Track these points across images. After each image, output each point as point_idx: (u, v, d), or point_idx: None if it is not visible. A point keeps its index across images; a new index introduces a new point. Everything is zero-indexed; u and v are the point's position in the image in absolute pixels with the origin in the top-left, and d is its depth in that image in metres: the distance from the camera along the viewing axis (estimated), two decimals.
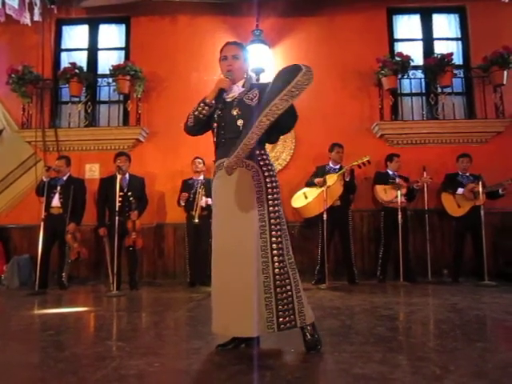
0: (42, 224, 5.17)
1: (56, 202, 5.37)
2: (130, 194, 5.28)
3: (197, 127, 2.43)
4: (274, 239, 2.22)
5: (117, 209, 4.94)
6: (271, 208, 2.26)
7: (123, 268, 5.30)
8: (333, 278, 5.33)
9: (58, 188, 5.40)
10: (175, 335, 2.91)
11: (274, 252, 2.21)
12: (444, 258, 5.81)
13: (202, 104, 2.35)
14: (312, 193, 5.35)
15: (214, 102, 2.37)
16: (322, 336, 2.34)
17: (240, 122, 2.32)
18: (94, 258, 6.11)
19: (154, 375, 1.98)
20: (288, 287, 2.22)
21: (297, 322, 2.21)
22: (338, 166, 5.50)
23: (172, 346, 2.55)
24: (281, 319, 2.17)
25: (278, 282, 2.20)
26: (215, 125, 2.36)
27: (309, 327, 2.26)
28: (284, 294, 2.20)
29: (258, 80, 6.23)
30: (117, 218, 4.91)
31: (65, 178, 5.50)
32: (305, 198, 5.40)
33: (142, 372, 1.99)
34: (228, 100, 2.41)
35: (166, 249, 6.18)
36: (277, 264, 2.21)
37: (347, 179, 5.30)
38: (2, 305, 4.56)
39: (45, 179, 5.28)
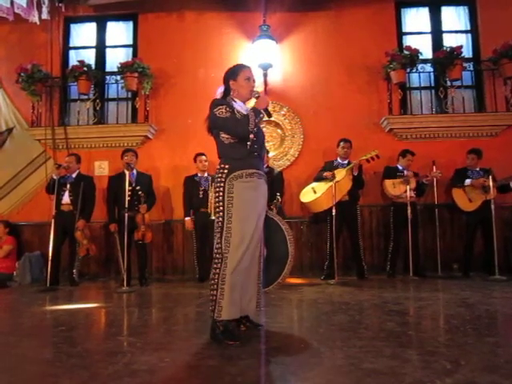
0: (53, 221, 5.22)
1: (66, 199, 5.41)
2: (138, 188, 5.30)
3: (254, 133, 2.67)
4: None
5: (126, 203, 4.97)
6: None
7: (133, 264, 5.34)
8: (342, 273, 5.33)
9: (68, 185, 5.44)
10: (185, 331, 2.93)
11: None
12: (454, 252, 5.77)
13: (261, 115, 2.68)
14: (321, 187, 5.33)
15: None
16: (331, 331, 2.34)
17: (264, 147, 2.89)
18: (103, 254, 6.16)
19: (165, 370, 2.00)
20: None
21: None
22: (346, 161, 5.49)
23: (182, 341, 2.56)
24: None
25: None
26: (252, 136, 2.67)
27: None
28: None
29: (265, 75, 6.23)
30: (126, 214, 4.94)
31: (74, 175, 5.54)
32: (314, 193, 5.39)
33: (153, 367, 2.01)
34: (256, 122, 2.73)
35: (174, 245, 6.21)
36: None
37: (355, 174, 5.28)
38: (15, 301, 4.61)
39: (55, 177, 5.32)
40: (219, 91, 2.80)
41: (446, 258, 5.63)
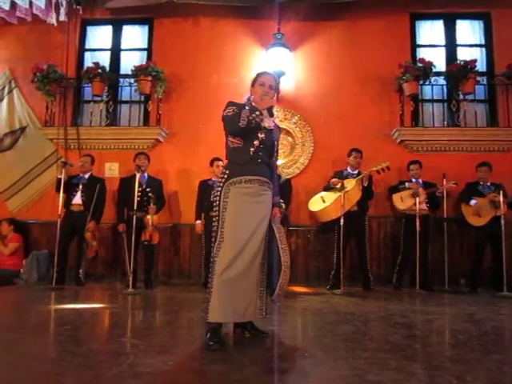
0: (60, 220, 5.24)
1: (77, 199, 5.44)
2: (148, 189, 5.34)
3: (246, 130, 2.62)
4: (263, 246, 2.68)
5: (136, 204, 5.00)
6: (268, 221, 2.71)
7: (139, 266, 5.35)
8: (348, 283, 5.28)
9: (81, 186, 5.48)
10: (189, 335, 2.93)
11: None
12: (461, 267, 5.71)
13: (257, 112, 2.63)
14: (330, 197, 5.32)
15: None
16: (335, 341, 2.32)
17: (275, 154, 2.84)
18: (110, 255, 6.19)
19: (169, 373, 2.00)
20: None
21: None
22: (356, 172, 5.47)
23: (186, 345, 2.57)
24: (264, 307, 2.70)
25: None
26: (256, 143, 2.67)
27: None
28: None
29: (278, 83, 6.23)
30: (135, 216, 4.98)
31: (87, 176, 5.58)
32: (322, 202, 5.38)
33: (156, 370, 2.01)
34: (269, 128, 2.77)
35: (181, 249, 6.21)
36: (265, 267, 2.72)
37: (365, 184, 5.26)
38: (21, 298, 4.65)
39: (59, 176, 5.37)
40: (244, 98, 2.83)
41: (453, 272, 5.57)
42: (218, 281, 2.51)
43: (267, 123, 2.77)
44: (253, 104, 2.74)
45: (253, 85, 2.84)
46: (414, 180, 5.55)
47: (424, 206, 5.38)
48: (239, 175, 2.63)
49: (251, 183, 2.64)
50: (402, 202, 5.47)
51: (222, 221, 2.59)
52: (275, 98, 6.32)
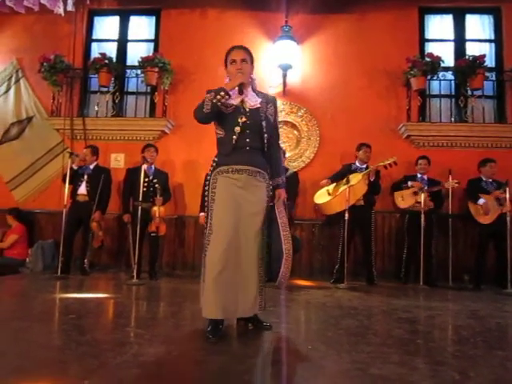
0: (65, 210, 5.28)
1: (83, 189, 5.46)
2: (155, 181, 5.36)
3: (211, 115, 2.49)
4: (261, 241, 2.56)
5: (141, 195, 5.02)
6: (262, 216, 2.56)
7: (144, 257, 5.37)
8: (351, 277, 5.29)
9: (86, 176, 5.50)
10: (192, 326, 2.94)
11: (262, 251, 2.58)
12: (466, 263, 5.69)
13: (222, 93, 2.42)
14: (335, 190, 5.33)
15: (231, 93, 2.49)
16: (338, 335, 2.32)
17: (266, 136, 2.57)
18: (115, 246, 6.22)
19: (173, 363, 2.01)
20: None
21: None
22: (364, 166, 5.45)
23: (190, 336, 2.58)
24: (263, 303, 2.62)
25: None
26: (238, 129, 2.49)
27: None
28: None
29: (285, 76, 6.21)
30: (140, 206, 5.00)
31: (91, 166, 5.60)
32: (328, 195, 5.39)
33: (160, 360, 2.02)
34: (253, 108, 2.57)
35: (186, 240, 6.23)
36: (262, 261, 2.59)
37: (372, 179, 5.25)
38: (26, 287, 4.68)
39: (75, 167, 5.39)
40: (226, 81, 2.68)
41: (457, 268, 5.56)
42: (208, 277, 2.43)
43: (248, 103, 2.57)
44: None
45: (226, 65, 2.66)
46: (419, 175, 5.54)
47: (427, 203, 5.36)
48: (226, 164, 2.51)
49: (239, 173, 2.49)
50: (403, 200, 5.51)
51: (210, 212, 2.48)
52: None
